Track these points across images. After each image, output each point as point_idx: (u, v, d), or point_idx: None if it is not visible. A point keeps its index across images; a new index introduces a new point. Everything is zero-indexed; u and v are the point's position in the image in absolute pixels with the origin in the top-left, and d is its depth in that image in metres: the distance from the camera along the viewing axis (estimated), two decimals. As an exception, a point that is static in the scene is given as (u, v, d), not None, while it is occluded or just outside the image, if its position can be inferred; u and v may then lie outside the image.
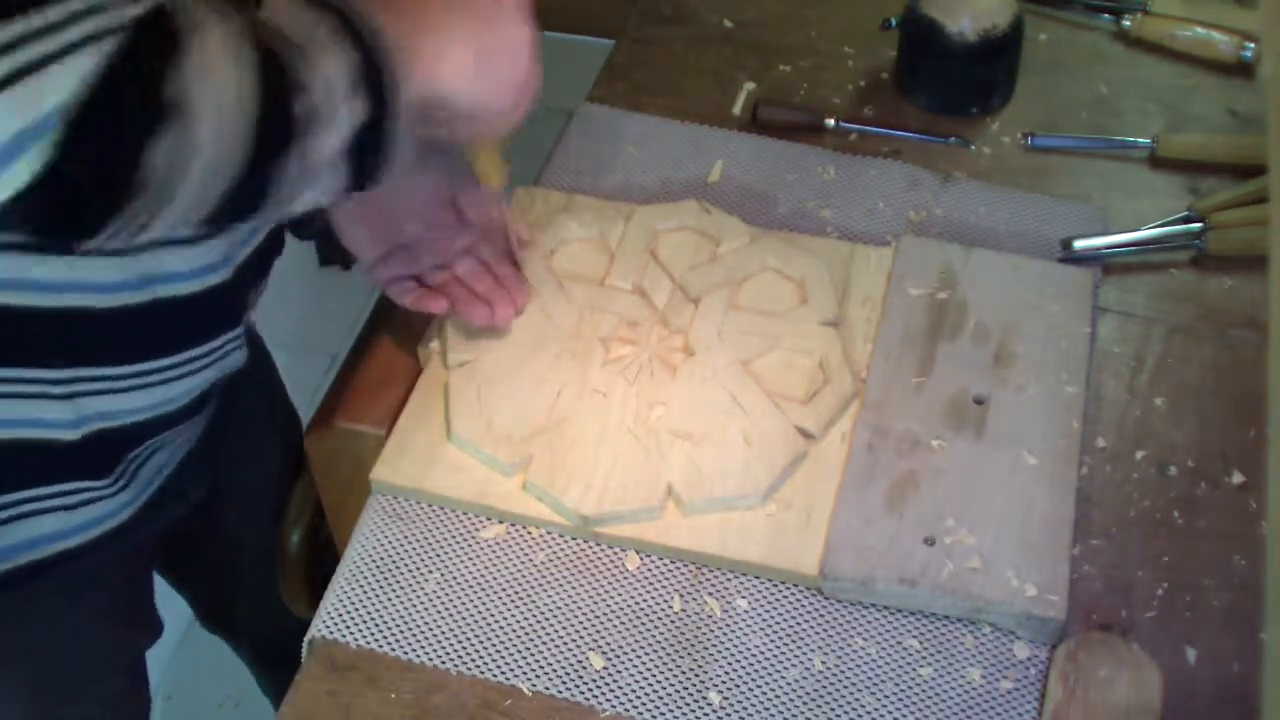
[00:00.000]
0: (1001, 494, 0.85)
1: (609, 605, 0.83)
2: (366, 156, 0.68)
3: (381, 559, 0.85)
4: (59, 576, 0.87)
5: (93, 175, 0.58)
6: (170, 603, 1.17)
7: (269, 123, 0.62)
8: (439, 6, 0.72)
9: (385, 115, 0.67)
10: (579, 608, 0.82)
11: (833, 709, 0.78)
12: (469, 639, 0.81)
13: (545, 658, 0.80)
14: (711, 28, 1.26)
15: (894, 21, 1.24)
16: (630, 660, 0.80)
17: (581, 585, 0.84)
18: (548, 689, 0.79)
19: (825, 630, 0.82)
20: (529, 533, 0.86)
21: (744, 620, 0.82)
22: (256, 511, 1.12)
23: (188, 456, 0.93)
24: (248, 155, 0.62)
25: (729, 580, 0.84)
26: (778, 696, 0.78)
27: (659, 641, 0.81)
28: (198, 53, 0.58)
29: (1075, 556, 0.84)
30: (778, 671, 0.80)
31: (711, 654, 0.80)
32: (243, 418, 1.02)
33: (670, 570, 0.84)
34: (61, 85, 0.55)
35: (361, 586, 0.84)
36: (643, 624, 0.82)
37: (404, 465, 0.88)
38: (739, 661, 0.80)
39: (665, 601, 0.83)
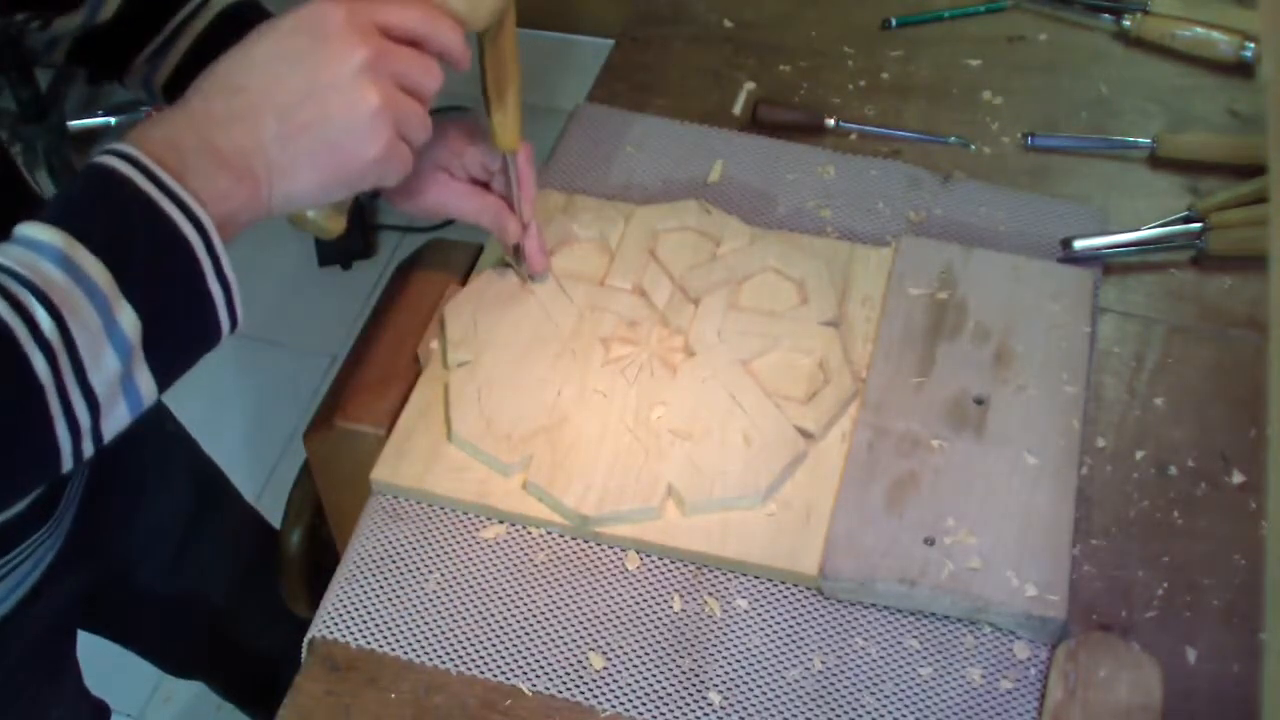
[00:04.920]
0: (1001, 494, 0.85)
1: (609, 605, 0.83)
2: (167, 351, 0.63)
3: (381, 559, 0.85)
4: None
5: None
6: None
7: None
8: (265, 114, 0.65)
9: (170, 309, 0.62)
10: (579, 608, 0.82)
11: (833, 709, 0.78)
12: (469, 639, 0.81)
13: (545, 658, 0.80)
14: (711, 28, 1.26)
15: (894, 21, 1.24)
16: (630, 660, 0.80)
17: (581, 585, 0.84)
18: (548, 689, 0.79)
19: (825, 630, 0.81)
20: (529, 533, 0.86)
21: (744, 620, 0.82)
22: (164, 559, 1.11)
23: (60, 555, 0.92)
24: None
25: (729, 580, 0.84)
26: (778, 696, 0.78)
27: (659, 641, 0.81)
28: None
29: (1075, 556, 0.84)
30: (778, 671, 0.80)
31: (711, 654, 0.80)
32: (130, 475, 1.02)
33: (670, 570, 0.84)
34: None
35: (361, 586, 0.84)
36: (643, 624, 0.82)
37: (404, 465, 0.88)
38: (739, 661, 0.80)
39: (665, 601, 0.83)
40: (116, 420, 0.63)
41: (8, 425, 0.59)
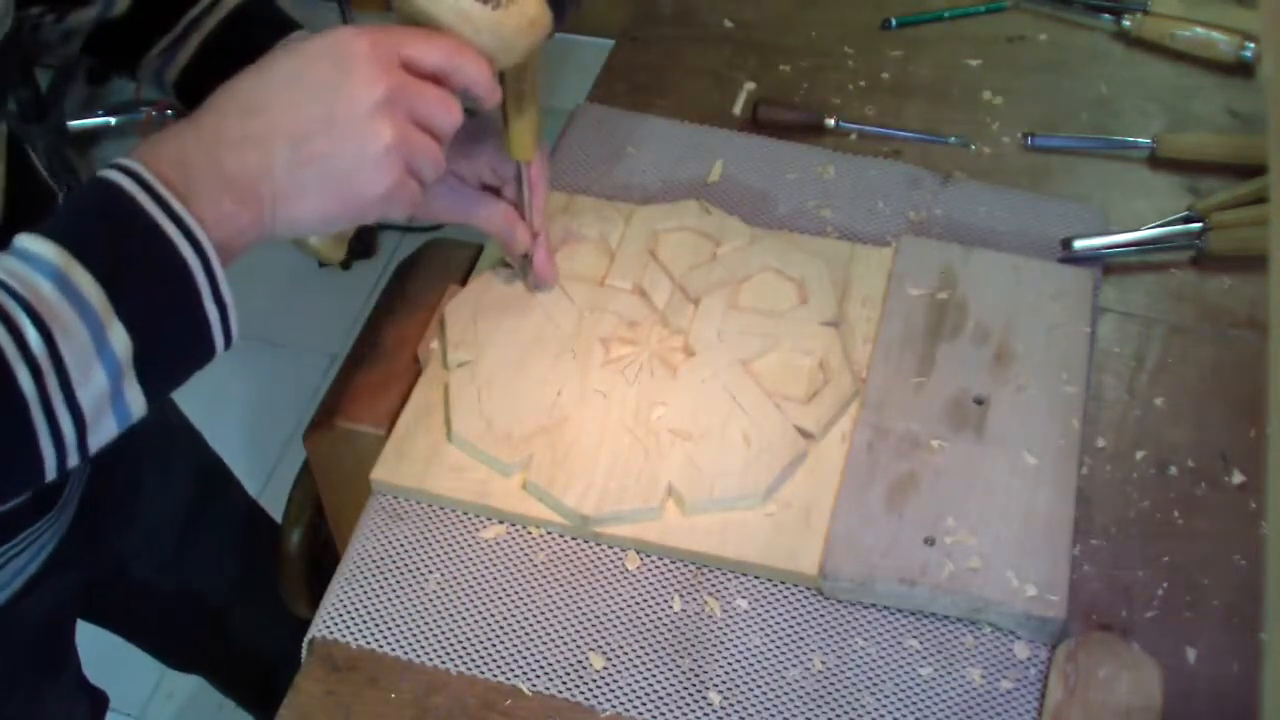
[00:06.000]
0: (1001, 494, 0.85)
1: (609, 605, 0.83)
2: (159, 369, 0.64)
3: (381, 559, 0.85)
4: None
5: None
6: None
7: None
8: (278, 140, 0.65)
9: (164, 330, 0.63)
10: (579, 608, 0.82)
11: (833, 709, 0.78)
12: (469, 639, 0.81)
13: (545, 658, 0.80)
14: (711, 28, 1.26)
15: (894, 21, 1.24)
16: (630, 660, 0.80)
17: (581, 585, 0.84)
18: (548, 689, 0.79)
19: (825, 630, 0.82)
20: (529, 533, 0.86)
21: (744, 620, 0.82)
22: (164, 551, 1.11)
23: (60, 546, 0.93)
24: None
25: (729, 580, 0.84)
26: (778, 696, 0.78)
27: (659, 641, 0.81)
28: None
29: (1075, 556, 0.84)
30: (778, 671, 0.80)
31: (711, 654, 0.80)
32: (132, 467, 1.02)
33: (670, 570, 0.84)
34: None
35: (361, 586, 0.84)
36: (643, 624, 0.82)
37: (404, 465, 0.88)
38: (739, 661, 0.80)
39: (665, 601, 0.83)
40: (103, 434, 0.63)
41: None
